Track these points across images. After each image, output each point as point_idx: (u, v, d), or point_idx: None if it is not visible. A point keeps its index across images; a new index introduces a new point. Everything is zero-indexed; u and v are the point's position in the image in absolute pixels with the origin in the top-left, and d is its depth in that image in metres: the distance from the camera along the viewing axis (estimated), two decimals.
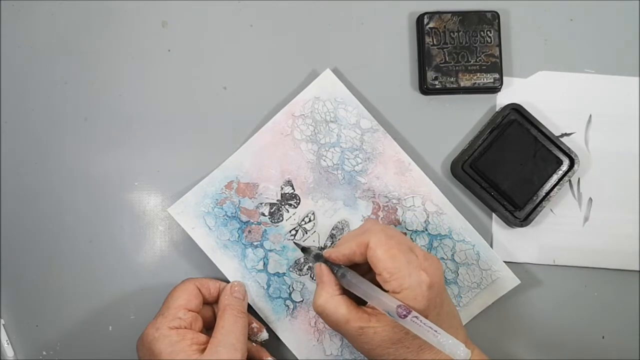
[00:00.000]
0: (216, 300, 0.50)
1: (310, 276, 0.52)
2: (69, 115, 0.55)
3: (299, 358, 0.51)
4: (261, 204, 0.53)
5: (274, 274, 0.52)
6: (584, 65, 0.56)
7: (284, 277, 0.52)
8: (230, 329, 0.46)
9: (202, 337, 0.46)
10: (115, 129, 0.55)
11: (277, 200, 0.53)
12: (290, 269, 0.52)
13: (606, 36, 0.56)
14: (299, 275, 0.52)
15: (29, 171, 0.54)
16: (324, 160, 0.53)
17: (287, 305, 0.52)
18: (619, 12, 0.57)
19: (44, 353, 0.53)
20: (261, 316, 0.51)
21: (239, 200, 0.52)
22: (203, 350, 0.44)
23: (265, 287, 0.52)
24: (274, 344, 0.51)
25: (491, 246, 0.54)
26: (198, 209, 0.52)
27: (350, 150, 0.53)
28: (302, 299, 0.52)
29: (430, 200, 0.53)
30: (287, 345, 0.51)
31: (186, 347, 0.44)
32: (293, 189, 0.53)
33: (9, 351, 0.53)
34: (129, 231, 0.54)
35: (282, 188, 0.53)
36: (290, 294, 0.52)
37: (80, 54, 0.55)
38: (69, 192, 0.54)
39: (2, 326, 0.53)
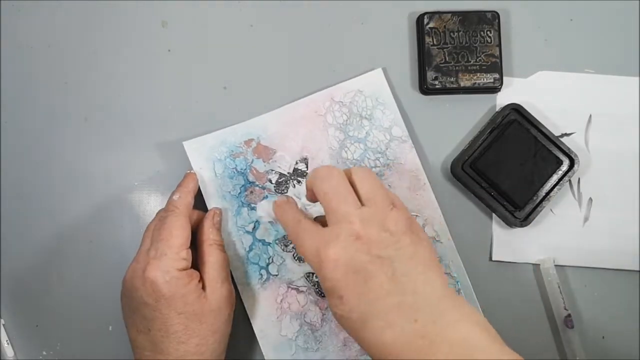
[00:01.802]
0: (193, 229, 0.49)
1: (293, 255, 0.52)
2: (69, 115, 0.55)
3: (253, 327, 0.51)
4: (272, 170, 0.53)
5: (260, 240, 0.52)
6: (584, 65, 0.56)
7: (268, 246, 0.52)
8: (221, 264, 0.47)
9: (197, 273, 0.46)
10: (115, 129, 0.55)
11: (288, 173, 0.53)
12: (277, 241, 0.52)
13: (606, 36, 0.56)
14: (283, 250, 0.52)
15: (29, 171, 0.54)
16: (345, 152, 0.53)
17: (261, 274, 0.52)
18: (619, 12, 0.57)
19: (44, 353, 0.53)
20: (233, 276, 0.51)
21: (253, 160, 0.53)
22: (202, 286, 0.46)
23: (247, 249, 0.52)
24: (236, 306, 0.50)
25: (491, 246, 0.54)
26: (211, 153, 0.52)
27: (373, 152, 0.53)
28: (277, 274, 0.52)
29: (432, 226, 0.53)
30: (247, 311, 0.51)
31: (194, 287, 0.45)
32: (307, 167, 0.53)
33: (9, 351, 0.53)
34: (129, 231, 0.54)
35: (297, 163, 0.53)
36: (268, 264, 0.52)
37: (80, 54, 0.55)
38: (69, 192, 0.54)
39: (2, 326, 0.53)
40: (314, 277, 0.52)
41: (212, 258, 0.47)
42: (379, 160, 0.53)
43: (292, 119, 0.53)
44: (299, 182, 0.53)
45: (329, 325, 0.52)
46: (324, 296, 0.52)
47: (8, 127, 0.54)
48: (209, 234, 0.48)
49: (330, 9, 0.56)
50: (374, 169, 0.53)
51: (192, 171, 0.51)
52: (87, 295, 0.53)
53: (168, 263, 0.44)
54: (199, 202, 0.51)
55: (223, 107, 0.55)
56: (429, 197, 0.53)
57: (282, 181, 0.53)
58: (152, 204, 0.54)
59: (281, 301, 0.52)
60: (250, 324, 0.51)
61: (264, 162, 0.53)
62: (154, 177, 0.54)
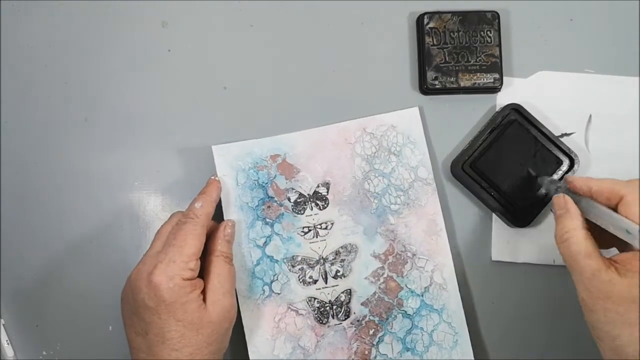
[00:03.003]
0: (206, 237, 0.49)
1: (299, 277, 0.52)
2: (69, 115, 0.55)
3: (247, 342, 0.51)
4: (292, 189, 0.53)
5: (269, 256, 0.52)
6: (584, 65, 0.56)
7: (276, 264, 0.52)
8: (226, 276, 0.47)
9: (202, 283, 0.46)
10: (115, 129, 0.55)
11: (308, 194, 0.53)
12: (285, 260, 0.52)
13: (606, 36, 0.56)
14: (289, 270, 0.52)
15: (29, 171, 0.54)
16: (368, 184, 0.53)
17: (264, 290, 0.51)
18: (619, 12, 0.57)
19: (44, 353, 0.53)
20: (236, 287, 0.51)
21: (276, 175, 0.53)
22: (204, 297, 0.46)
23: (254, 263, 0.52)
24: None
25: (491, 246, 0.54)
26: (236, 162, 0.52)
27: (396, 188, 0.53)
28: (279, 292, 0.52)
29: (441, 272, 0.53)
30: (243, 324, 0.51)
31: (196, 297, 0.45)
32: (327, 192, 0.53)
33: (9, 351, 0.53)
34: (128, 231, 0.54)
35: (318, 186, 0.53)
36: (272, 281, 0.52)
37: (80, 54, 0.55)
38: (69, 192, 0.54)
39: (2, 326, 0.53)
40: (315, 303, 0.52)
41: (217, 269, 0.47)
42: (399, 197, 0.53)
43: (321, 142, 0.53)
44: (317, 205, 0.53)
45: (323, 353, 0.51)
46: (322, 323, 0.52)
47: (8, 127, 0.54)
48: (217, 245, 0.48)
49: (330, 9, 0.56)
50: (393, 206, 0.53)
51: (216, 178, 0.51)
52: (87, 295, 0.53)
53: (175, 270, 0.44)
54: (217, 208, 0.51)
55: (223, 107, 0.55)
56: (443, 243, 0.53)
57: (300, 201, 0.53)
58: (152, 204, 0.54)
59: (279, 320, 0.51)
60: (244, 337, 0.51)
61: (287, 179, 0.53)
62: (153, 177, 0.54)
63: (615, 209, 0.44)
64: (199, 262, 0.46)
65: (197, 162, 0.54)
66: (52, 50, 0.55)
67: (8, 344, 0.53)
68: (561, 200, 0.46)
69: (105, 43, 0.55)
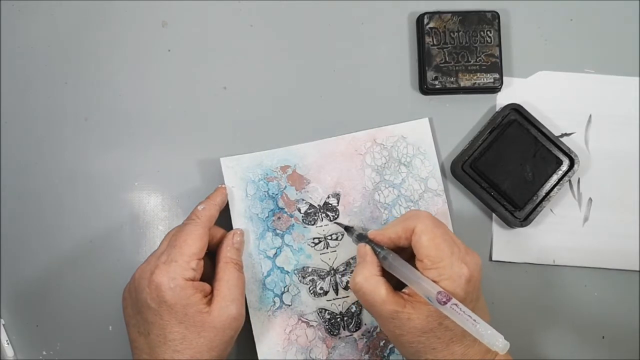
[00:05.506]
0: (214, 247, 0.49)
1: (309, 289, 0.52)
2: (69, 115, 0.55)
3: (258, 353, 0.51)
4: (303, 200, 0.53)
5: (279, 268, 0.52)
6: (584, 65, 0.56)
7: (286, 275, 0.52)
8: (235, 283, 0.47)
9: (207, 287, 0.46)
10: (115, 129, 0.55)
11: (318, 205, 0.53)
12: (296, 271, 0.52)
13: (606, 36, 0.56)
14: (300, 281, 0.52)
15: (29, 171, 0.54)
16: (378, 195, 0.53)
17: (274, 302, 0.51)
18: (619, 12, 0.57)
19: (44, 353, 0.53)
20: (246, 298, 0.51)
21: (286, 186, 0.53)
22: (208, 301, 0.45)
23: (265, 274, 0.52)
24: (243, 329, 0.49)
25: (491, 246, 0.54)
26: (246, 173, 0.52)
27: (406, 199, 0.53)
28: (290, 304, 0.51)
29: None
30: (254, 336, 0.51)
31: (198, 300, 0.44)
32: (337, 203, 0.53)
33: (9, 351, 0.53)
34: (129, 231, 0.54)
35: (328, 197, 0.53)
36: (282, 293, 0.52)
37: (80, 54, 0.55)
38: (69, 192, 0.54)
39: (2, 326, 0.53)
40: (326, 314, 0.52)
41: (227, 276, 0.47)
42: (410, 208, 0.53)
43: (331, 153, 0.53)
44: (327, 216, 0.52)
45: None
46: (333, 334, 0.52)
47: (8, 127, 0.54)
48: (226, 252, 0.48)
49: (330, 9, 0.56)
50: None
51: (223, 185, 0.51)
52: (87, 295, 0.53)
53: (176, 270, 0.44)
54: (226, 220, 0.51)
55: (223, 107, 0.55)
56: None
57: (311, 212, 0.52)
58: (152, 204, 0.54)
59: (289, 332, 0.51)
60: (255, 349, 0.51)
61: (297, 190, 0.53)
62: (154, 176, 0.54)
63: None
64: (201, 263, 0.46)
65: (197, 162, 0.54)
66: (52, 50, 0.55)
67: (8, 344, 0.53)
68: (361, 249, 0.47)
69: (105, 43, 0.55)
